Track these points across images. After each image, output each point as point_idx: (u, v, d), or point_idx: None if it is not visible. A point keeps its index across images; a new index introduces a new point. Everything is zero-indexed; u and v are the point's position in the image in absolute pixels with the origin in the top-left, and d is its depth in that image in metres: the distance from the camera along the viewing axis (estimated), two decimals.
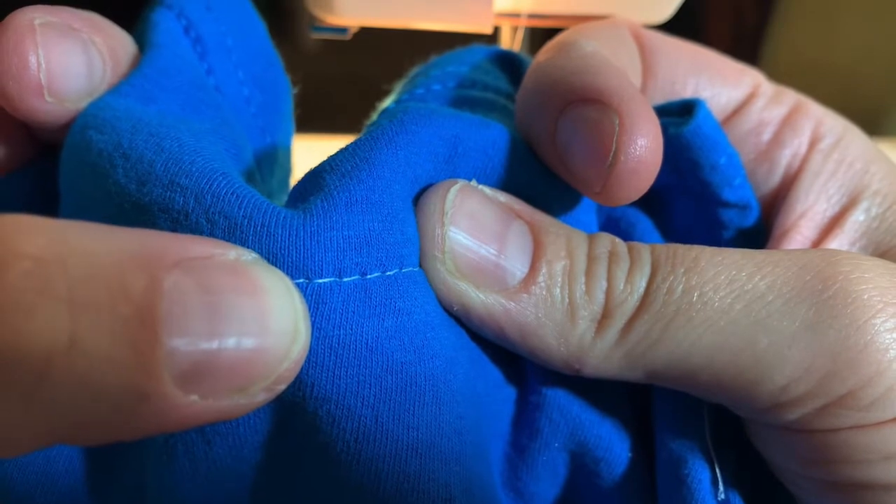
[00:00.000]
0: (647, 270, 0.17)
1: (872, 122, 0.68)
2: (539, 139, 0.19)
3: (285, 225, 0.15)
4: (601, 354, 0.17)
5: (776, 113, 0.22)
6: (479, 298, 0.17)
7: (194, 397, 0.12)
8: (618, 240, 0.19)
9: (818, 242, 0.21)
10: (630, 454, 0.20)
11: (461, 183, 0.18)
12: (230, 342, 0.12)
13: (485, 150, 0.18)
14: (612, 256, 0.18)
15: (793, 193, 0.21)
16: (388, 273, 0.16)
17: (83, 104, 0.18)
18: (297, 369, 0.13)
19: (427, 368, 0.16)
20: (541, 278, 0.17)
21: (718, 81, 0.22)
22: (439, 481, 0.16)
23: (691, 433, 0.19)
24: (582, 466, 0.20)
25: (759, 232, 0.22)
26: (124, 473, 0.18)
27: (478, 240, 0.17)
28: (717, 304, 0.17)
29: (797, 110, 0.22)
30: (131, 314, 0.11)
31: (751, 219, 0.21)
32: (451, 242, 0.17)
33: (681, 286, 0.17)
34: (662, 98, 0.22)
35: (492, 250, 0.17)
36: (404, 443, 0.16)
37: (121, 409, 0.11)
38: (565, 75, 0.18)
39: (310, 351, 0.15)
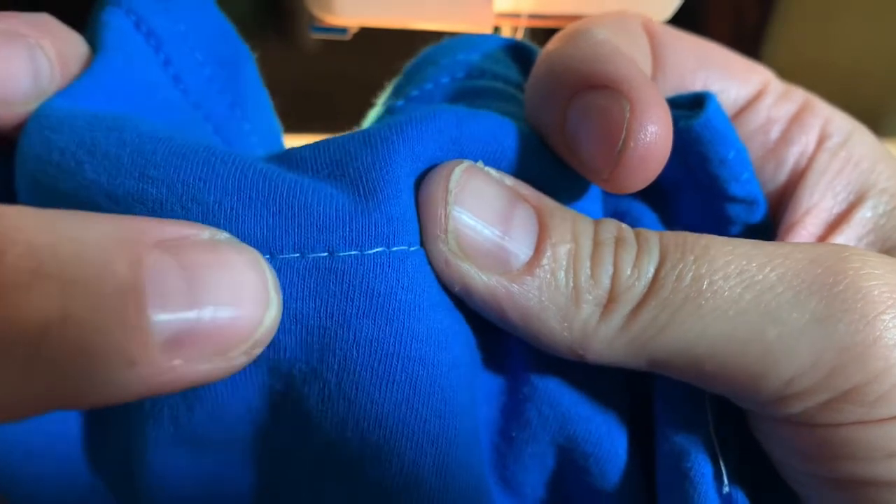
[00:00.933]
0: (655, 256, 0.17)
1: (872, 122, 0.68)
2: (549, 127, 0.19)
3: (251, 207, 0.16)
4: (605, 340, 0.17)
5: (785, 111, 0.22)
6: (482, 280, 0.17)
7: (178, 361, 0.13)
8: (624, 225, 0.18)
9: (824, 239, 0.21)
10: (621, 451, 0.20)
11: (466, 163, 0.18)
12: (208, 311, 0.13)
13: (491, 139, 0.18)
14: (619, 241, 0.18)
15: (799, 190, 0.21)
16: (369, 252, 0.16)
17: (32, 107, 0.18)
18: (272, 334, 0.14)
19: (404, 349, 0.16)
20: (545, 261, 0.17)
21: (728, 77, 0.22)
22: (405, 458, 0.16)
23: (694, 426, 0.19)
24: (571, 461, 0.20)
25: (766, 228, 0.22)
26: (115, 437, 0.18)
27: (482, 220, 0.17)
28: (726, 293, 0.17)
29: (806, 108, 0.22)
30: (117, 289, 0.12)
31: (758, 214, 0.21)
32: (454, 222, 0.17)
33: (690, 274, 0.17)
34: (671, 91, 0.22)
35: (496, 231, 0.17)
36: (366, 413, 0.16)
37: (111, 374, 0.13)
38: (575, 63, 0.18)
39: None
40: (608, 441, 0.20)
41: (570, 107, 0.18)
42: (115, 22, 0.19)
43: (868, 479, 0.17)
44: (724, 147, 0.20)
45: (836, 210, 0.21)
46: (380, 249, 0.16)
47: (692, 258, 0.17)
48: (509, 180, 0.18)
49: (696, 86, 0.22)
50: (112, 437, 0.18)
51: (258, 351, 0.14)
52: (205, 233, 0.14)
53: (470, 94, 0.22)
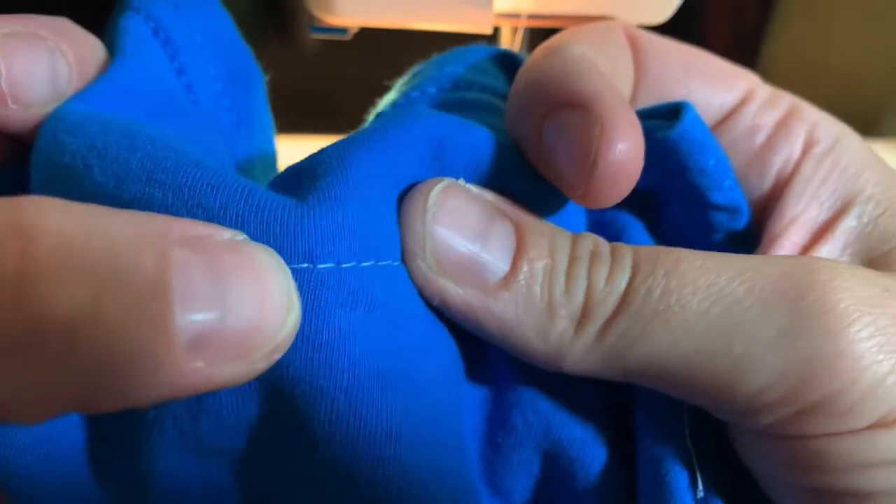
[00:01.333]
0: (627, 271, 0.18)
1: (872, 123, 0.68)
2: (526, 141, 0.19)
3: (258, 216, 0.16)
4: (581, 352, 0.18)
5: (770, 117, 0.22)
6: (460, 294, 0.18)
7: (200, 363, 0.13)
8: (601, 240, 0.19)
9: (808, 247, 0.21)
10: (605, 456, 0.20)
11: (446, 181, 0.18)
12: (232, 313, 0.13)
13: (473, 151, 0.18)
14: (594, 256, 0.18)
15: (784, 199, 0.21)
16: (364, 264, 0.17)
17: (50, 109, 0.18)
18: (292, 339, 0.14)
19: (399, 357, 0.17)
20: (521, 276, 0.18)
21: (711, 84, 0.22)
22: (412, 467, 0.16)
23: (671, 433, 0.19)
24: (557, 466, 0.20)
25: (750, 235, 0.22)
26: (121, 447, 0.18)
27: (460, 237, 0.18)
28: (694, 307, 0.17)
29: (791, 114, 0.22)
30: (147, 286, 0.12)
31: (741, 222, 0.21)
32: (432, 239, 0.17)
33: (660, 288, 0.17)
34: (654, 100, 0.22)
35: (474, 247, 0.18)
36: (377, 427, 0.16)
37: (137, 374, 0.12)
38: (551, 79, 0.19)
39: None
40: (592, 446, 0.20)
41: (545, 123, 0.18)
42: (133, 27, 0.20)
43: (842, 490, 0.17)
44: (703, 156, 0.20)
45: (822, 218, 0.21)
46: (371, 263, 0.17)
47: (663, 272, 0.17)
48: (490, 195, 0.19)
49: (679, 94, 0.22)
50: (117, 447, 0.18)
51: (278, 356, 0.14)
52: (226, 233, 0.14)
53: (455, 105, 0.22)
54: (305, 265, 0.16)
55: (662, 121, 0.21)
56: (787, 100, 0.22)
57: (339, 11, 0.25)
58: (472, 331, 0.18)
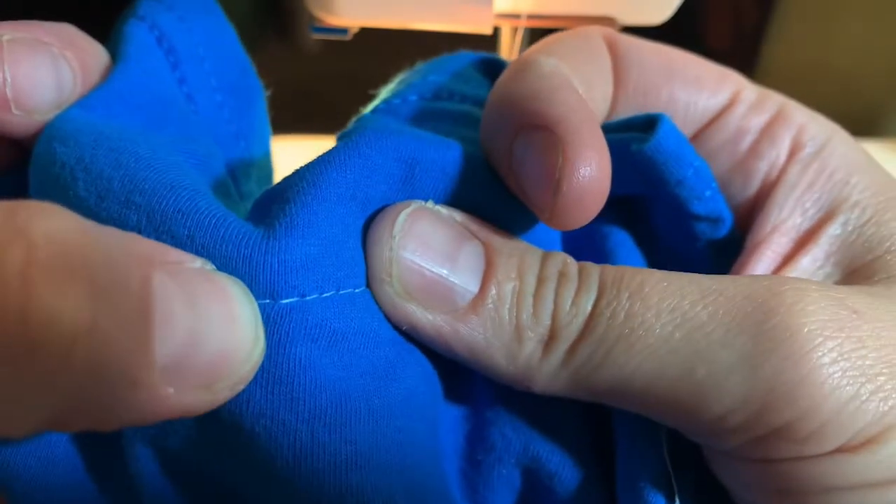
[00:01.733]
0: (593, 293, 0.18)
1: (872, 123, 0.68)
2: (497, 160, 0.19)
3: (223, 249, 0.16)
4: (549, 374, 0.18)
5: (755, 122, 0.22)
6: (428, 319, 0.18)
7: (171, 390, 0.13)
8: (570, 260, 0.19)
9: (791, 256, 0.21)
10: (584, 470, 0.20)
11: (414, 205, 0.18)
12: (204, 340, 0.13)
13: (443, 170, 0.18)
14: (562, 278, 0.18)
15: (767, 206, 0.21)
16: (325, 295, 0.17)
17: (53, 115, 0.18)
18: (254, 372, 0.14)
19: (360, 384, 0.17)
20: (489, 300, 0.18)
21: (695, 88, 0.22)
22: (382, 492, 0.17)
23: (649, 448, 0.19)
24: (537, 481, 0.20)
25: (734, 242, 0.22)
26: (115, 451, 0.18)
27: (427, 261, 0.18)
28: (657, 331, 0.17)
29: (778, 118, 0.22)
30: (134, 306, 0.12)
31: (723, 230, 0.21)
32: (398, 265, 0.17)
33: (623, 312, 0.17)
34: (635, 108, 0.22)
35: (442, 271, 0.18)
36: (343, 456, 0.16)
37: (114, 395, 0.12)
38: (518, 100, 0.18)
39: None
40: (571, 461, 0.20)
41: (513, 144, 0.18)
42: (138, 35, 0.20)
43: None
44: (680, 168, 0.20)
45: (805, 226, 0.21)
46: (332, 293, 0.17)
47: (627, 295, 0.17)
48: (459, 216, 0.19)
49: (661, 99, 0.22)
50: (110, 450, 0.19)
51: (241, 387, 0.14)
52: (196, 262, 0.14)
53: (434, 116, 0.22)
54: (267, 301, 0.16)
55: (638, 133, 0.20)
56: (774, 102, 0.22)
57: (339, 11, 0.25)
58: (442, 353, 0.18)
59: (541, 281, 0.18)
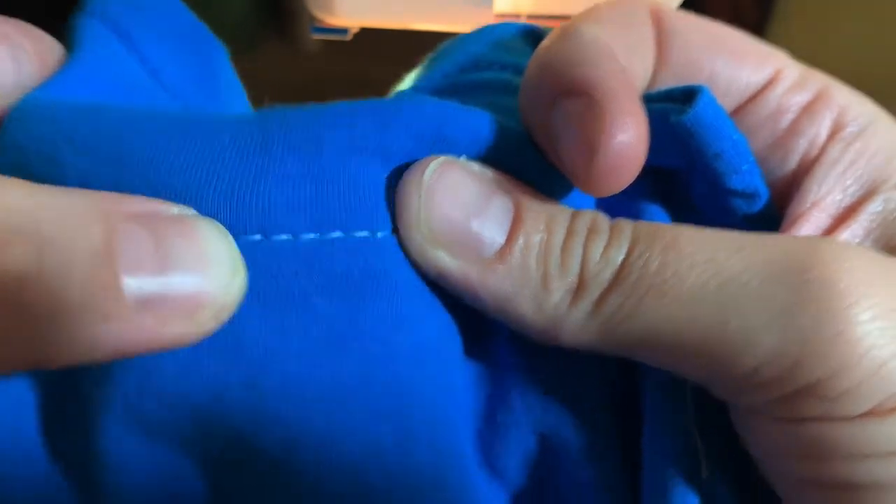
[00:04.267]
0: (625, 245, 0.18)
1: None
2: (535, 127, 0.19)
3: (216, 190, 0.17)
4: (576, 325, 0.18)
5: (797, 99, 0.21)
6: (455, 265, 0.18)
7: (150, 321, 0.14)
8: (602, 216, 0.19)
9: (830, 231, 0.20)
10: (604, 439, 0.20)
11: (444, 157, 0.18)
12: (177, 276, 0.15)
13: (475, 134, 0.19)
14: (591, 231, 0.18)
15: (807, 181, 0.21)
16: (330, 236, 0.17)
17: (13, 101, 0.18)
18: (239, 300, 0.16)
19: (359, 326, 0.17)
20: (517, 249, 0.18)
21: (738, 64, 0.22)
22: (368, 434, 0.17)
23: (675, 415, 0.19)
24: (552, 448, 0.20)
25: (769, 218, 0.22)
26: (73, 427, 0.18)
27: (456, 209, 0.18)
28: (690, 281, 0.17)
29: (820, 97, 0.21)
30: (91, 250, 0.14)
31: (758, 206, 0.21)
32: (427, 212, 0.18)
33: (656, 262, 0.17)
34: (676, 81, 0.22)
35: (470, 220, 0.18)
36: (329, 392, 0.17)
37: (87, 329, 0.14)
38: (558, 66, 0.18)
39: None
40: (591, 430, 0.20)
41: (551, 111, 0.18)
42: (90, 26, 0.20)
43: (835, 481, 0.17)
44: (719, 141, 0.20)
45: (845, 203, 0.21)
46: (339, 234, 0.17)
47: (660, 247, 0.17)
48: (491, 173, 0.19)
49: (702, 74, 0.22)
50: (69, 427, 0.18)
51: (226, 316, 0.15)
52: (174, 209, 0.16)
53: (471, 87, 0.22)
54: (258, 237, 0.17)
55: (677, 104, 0.20)
56: (818, 81, 0.22)
57: (339, 12, 0.25)
58: (469, 303, 0.18)
59: (570, 233, 0.18)
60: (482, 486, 0.20)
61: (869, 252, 0.17)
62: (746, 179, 0.21)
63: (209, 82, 0.23)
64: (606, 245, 0.18)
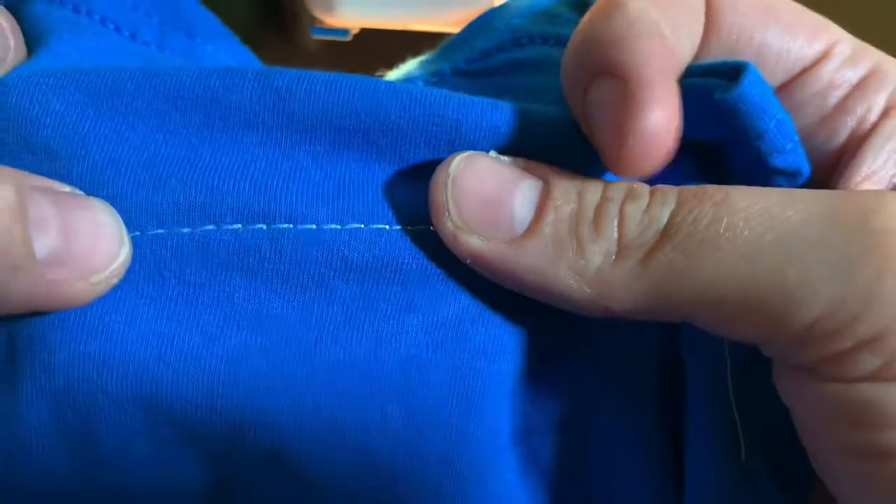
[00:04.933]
0: (670, 203, 0.17)
1: None
2: (575, 106, 0.19)
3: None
4: (623, 287, 0.17)
5: (848, 76, 0.21)
6: (488, 248, 0.18)
7: (52, 277, 0.16)
8: (640, 183, 0.18)
9: None
10: (646, 428, 0.20)
11: (471, 151, 0.19)
12: (76, 240, 0.17)
13: (496, 131, 0.19)
14: (629, 196, 0.18)
15: (860, 155, 0.20)
16: (350, 226, 0.18)
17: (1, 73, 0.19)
18: (126, 267, 0.17)
19: (372, 307, 0.18)
20: (548, 221, 0.18)
21: (790, 36, 0.21)
22: (375, 409, 0.18)
23: (716, 401, 0.19)
24: (594, 445, 0.20)
25: None
26: None
27: (485, 192, 0.18)
28: (746, 233, 0.16)
29: (873, 75, 0.21)
30: (6, 206, 0.15)
31: (800, 183, 0.21)
32: (456, 198, 0.18)
33: (707, 217, 0.17)
34: (726, 51, 0.21)
35: (498, 202, 0.18)
36: (341, 365, 0.18)
37: (3, 280, 0.15)
38: (598, 45, 0.18)
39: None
40: (635, 408, 0.20)
41: (588, 90, 0.18)
42: (49, 11, 0.21)
43: (885, 450, 0.16)
44: (763, 120, 0.19)
45: None
46: (356, 226, 0.18)
47: (711, 203, 0.17)
48: (522, 162, 0.19)
49: (752, 47, 0.21)
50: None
51: (115, 281, 0.17)
52: (66, 187, 0.17)
53: (511, 67, 0.23)
54: (288, 225, 0.18)
55: (723, 80, 0.20)
56: (870, 58, 0.21)
57: (339, 12, 0.25)
58: (513, 288, 0.18)
59: (604, 199, 0.18)
60: (499, 463, 0.20)
61: None
62: (789, 158, 0.20)
63: (184, 23, 0.23)
64: (648, 205, 0.18)
